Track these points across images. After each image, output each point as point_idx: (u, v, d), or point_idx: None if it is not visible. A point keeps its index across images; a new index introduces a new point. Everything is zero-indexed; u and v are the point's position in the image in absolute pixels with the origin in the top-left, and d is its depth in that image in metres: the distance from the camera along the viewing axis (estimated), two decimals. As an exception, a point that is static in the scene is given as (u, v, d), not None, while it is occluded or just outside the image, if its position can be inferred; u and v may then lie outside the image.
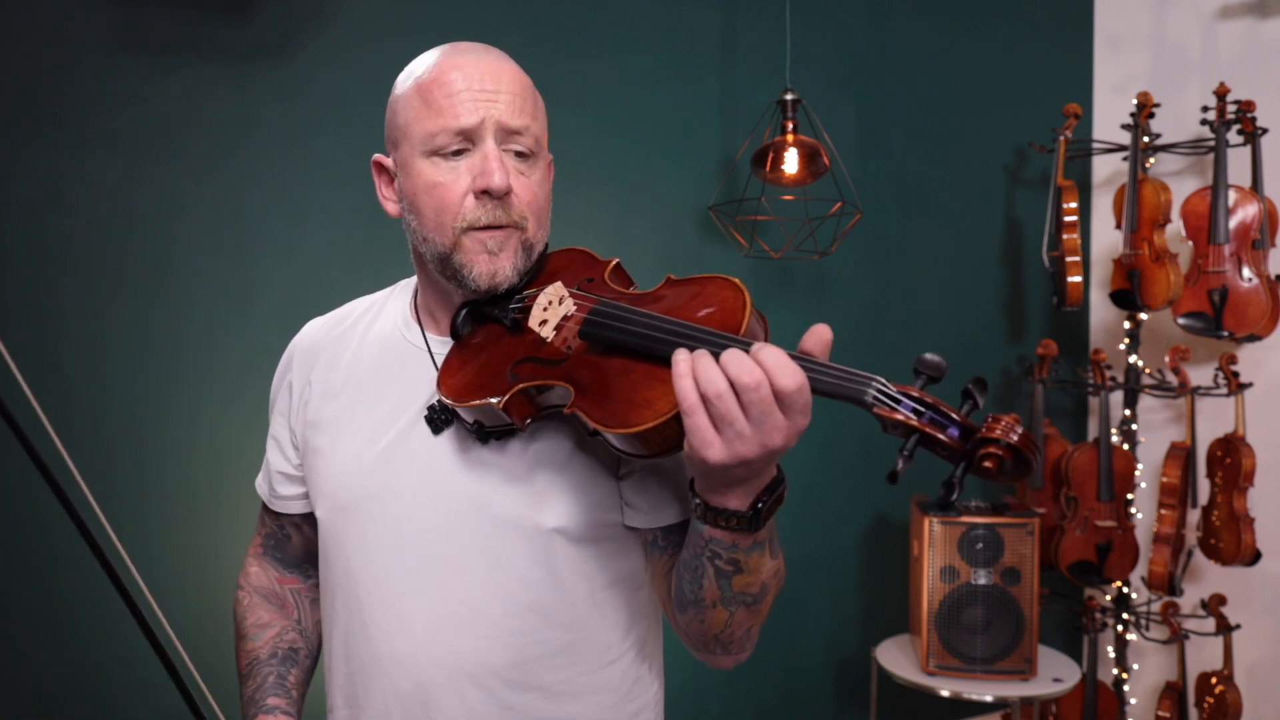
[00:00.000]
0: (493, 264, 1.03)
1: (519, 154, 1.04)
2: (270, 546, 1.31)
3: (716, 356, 0.82)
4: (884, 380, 0.81)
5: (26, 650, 2.13)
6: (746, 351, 0.82)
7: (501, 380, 0.99)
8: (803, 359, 0.83)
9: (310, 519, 1.24)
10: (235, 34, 2.24)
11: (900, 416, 0.80)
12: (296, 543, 1.29)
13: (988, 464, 0.78)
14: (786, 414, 0.81)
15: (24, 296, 2.10)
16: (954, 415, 0.80)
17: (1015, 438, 0.78)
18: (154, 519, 2.21)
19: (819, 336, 0.85)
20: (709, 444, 0.81)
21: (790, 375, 0.79)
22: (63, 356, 2.13)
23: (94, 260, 2.15)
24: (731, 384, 0.80)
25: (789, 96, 2.51)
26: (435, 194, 1.02)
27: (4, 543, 2.10)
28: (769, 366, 0.80)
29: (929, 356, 0.82)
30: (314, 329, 1.24)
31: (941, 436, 0.79)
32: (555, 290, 1.04)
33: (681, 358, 0.83)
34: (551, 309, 1.03)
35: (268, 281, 2.29)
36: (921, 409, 0.80)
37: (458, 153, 1.02)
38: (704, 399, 0.81)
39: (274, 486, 1.25)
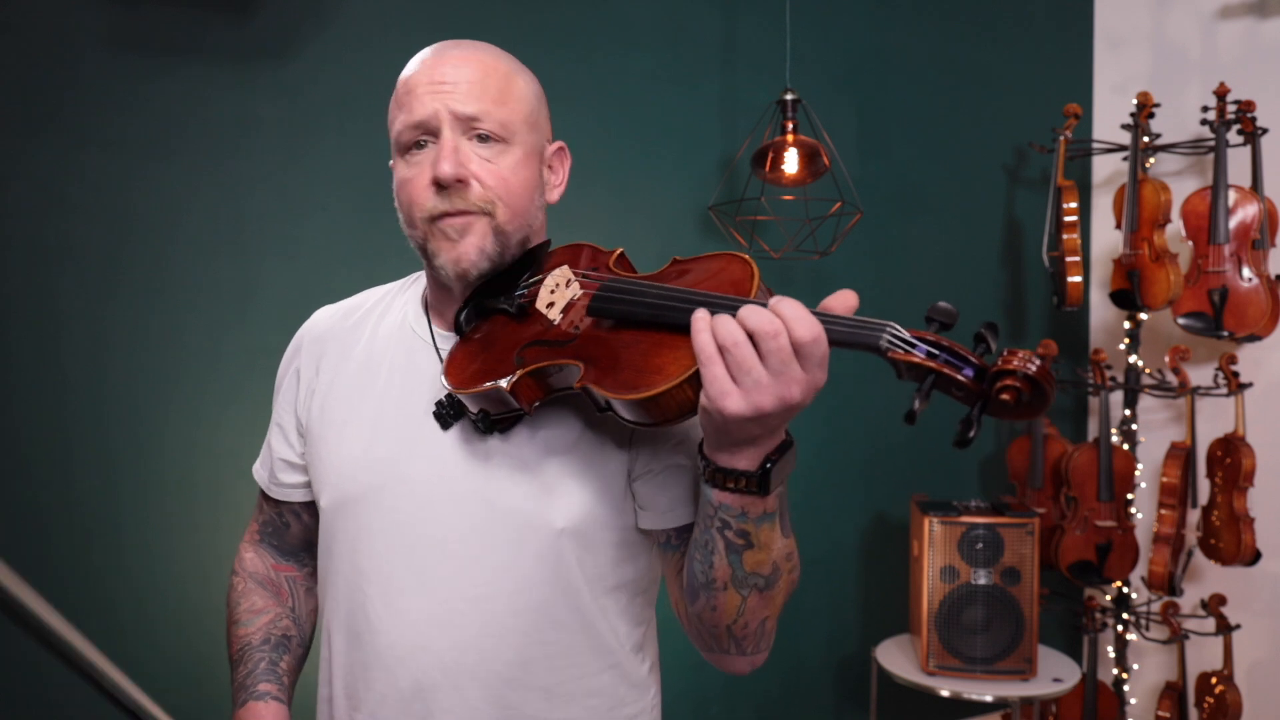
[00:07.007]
0: (455, 250, 1.04)
1: (484, 139, 1.04)
2: (268, 534, 1.30)
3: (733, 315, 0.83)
4: (897, 325, 0.82)
5: (27, 650, 2.13)
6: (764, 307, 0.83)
7: (508, 364, 0.98)
8: (817, 312, 0.84)
9: (310, 507, 1.24)
10: (235, 34, 2.24)
11: (915, 359, 0.80)
12: (295, 530, 1.28)
13: (1005, 396, 0.77)
14: (804, 365, 0.81)
15: (24, 296, 2.10)
16: (969, 356, 0.80)
17: (1033, 369, 0.77)
18: (154, 518, 2.21)
19: (843, 300, 0.86)
20: (727, 393, 0.81)
21: (808, 326, 0.81)
22: (63, 356, 2.13)
23: (94, 260, 2.15)
24: (750, 334, 0.81)
25: (789, 96, 2.51)
26: (405, 190, 1.06)
27: (4, 542, 2.10)
28: (787, 317, 0.81)
29: (941, 304, 0.82)
30: (324, 317, 1.24)
31: (958, 376, 0.79)
32: (562, 273, 1.04)
33: (701, 314, 0.84)
34: (559, 291, 1.03)
35: (268, 281, 2.29)
36: (936, 351, 0.80)
37: (421, 146, 1.04)
38: (721, 349, 0.82)
39: (275, 474, 1.24)
